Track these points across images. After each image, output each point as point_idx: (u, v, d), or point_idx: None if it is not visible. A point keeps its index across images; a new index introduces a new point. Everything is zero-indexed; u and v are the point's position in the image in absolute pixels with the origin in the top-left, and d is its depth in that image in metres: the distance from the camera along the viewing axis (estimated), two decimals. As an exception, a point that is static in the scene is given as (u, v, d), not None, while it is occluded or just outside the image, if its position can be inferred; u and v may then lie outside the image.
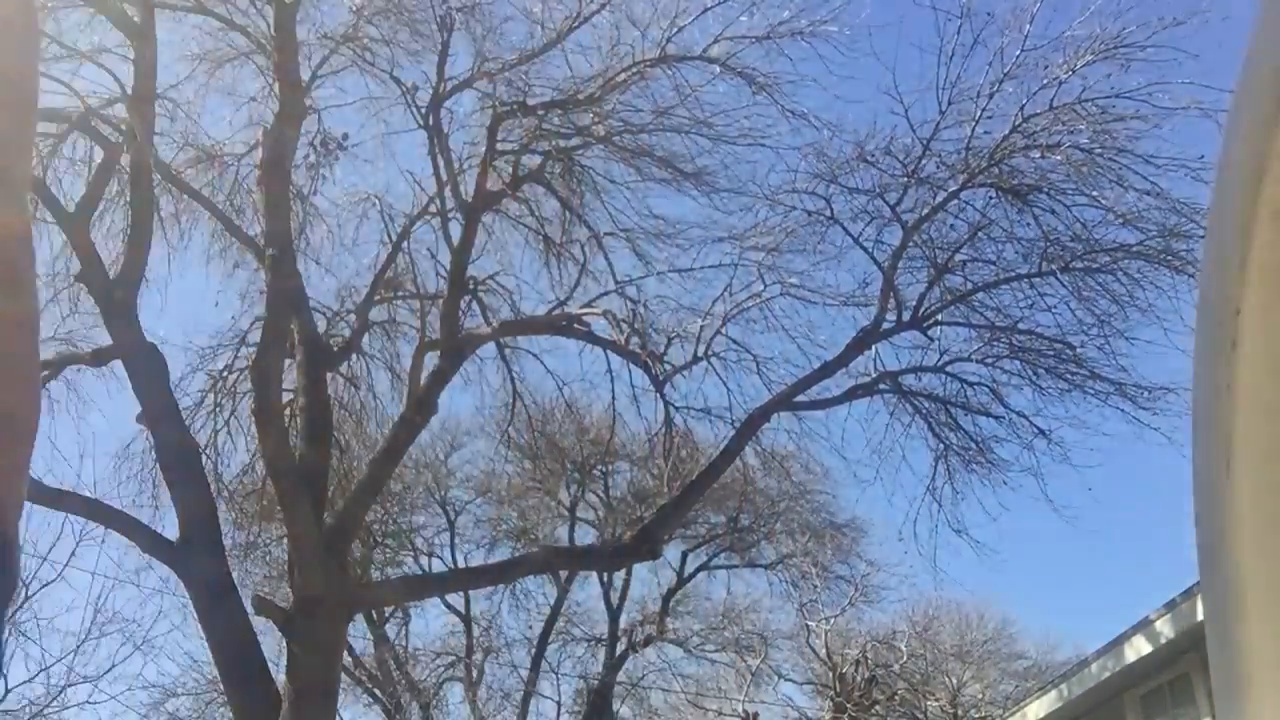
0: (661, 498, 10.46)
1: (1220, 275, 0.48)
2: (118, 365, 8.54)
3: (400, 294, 10.22)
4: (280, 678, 7.45)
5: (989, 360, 9.52)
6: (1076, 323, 9.13)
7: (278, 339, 7.80)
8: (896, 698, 16.92)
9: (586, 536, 16.30)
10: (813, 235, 9.43)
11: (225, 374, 9.98)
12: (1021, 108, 8.54)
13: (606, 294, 9.85)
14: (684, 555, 16.47)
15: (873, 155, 8.89)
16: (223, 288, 10.25)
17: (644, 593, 17.11)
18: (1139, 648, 7.88)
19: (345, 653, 12.01)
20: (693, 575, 16.87)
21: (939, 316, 9.36)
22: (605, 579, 16.26)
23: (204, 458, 8.84)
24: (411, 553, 15.47)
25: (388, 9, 9.06)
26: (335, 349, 9.49)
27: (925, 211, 8.94)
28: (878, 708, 16.31)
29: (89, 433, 24.54)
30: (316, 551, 7.32)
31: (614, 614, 16.37)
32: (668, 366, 9.50)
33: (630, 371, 9.88)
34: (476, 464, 15.25)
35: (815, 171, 9.14)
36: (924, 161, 8.81)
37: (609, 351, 9.62)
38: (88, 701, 11.79)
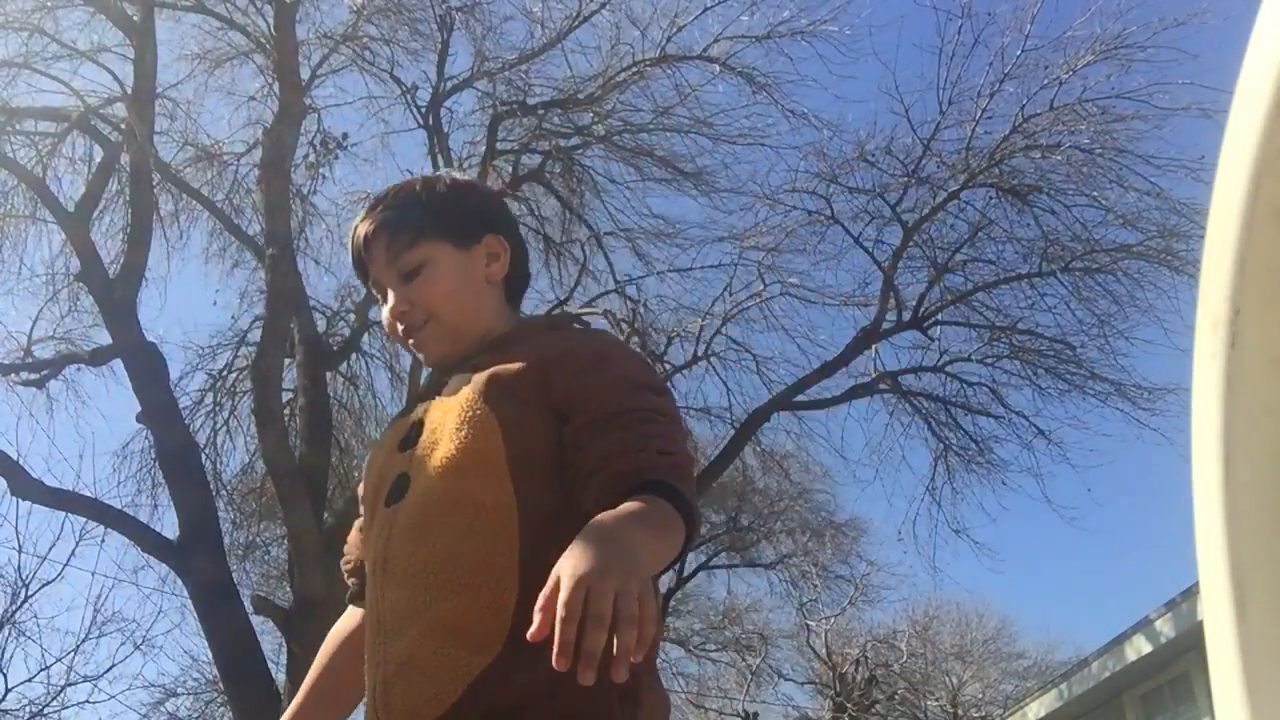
0: (661, 498, 10.42)
1: (1220, 275, 0.48)
2: (117, 364, 8.53)
3: (400, 294, 10.18)
4: (280, 678, 7.45)
5: (989, 360, 9.52)
6: (1076, 323, 9.14)
7: (278, 339, 7.80)
8: (896, 697, 16.93)
9: (586, 536, 16.24)
10: (813, 235, 9.43)
11: (225, 373, 9.96)
12: (1022, 108, 8.55)
13: (606, 294, 9.84)
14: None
15: (873, 155, 8.89)
16: (222, 287, 10.25)
17: (644, 592, 17.10)
18: (1139, 647, 7.88)
19: (345, 652, 11.98)
20: (693, 575, 16.83)
21: (939, 316, 9.36)
22: (605, 579, 16.21)
23: (203, 457, 8.84)
24: (411, 552, 15.46)
25: (387, 8, 9.06)
26: (335, 349, 9.48)
27: (925, 211, 8.94)
28: (878, 707, 16.32)
29: (88, 432, 24.63)
30: (316, 551, 7.31)
31: (614, 613, 16.34)
32: (667, 366, 9.50)
33: (630, 371, 9.85)
34: (476, 463, 15.23)
35: (815, 171, 9.15)
36: (924, 161, 8.82)
37: (609, 351, 9.61)
38: (88, 701, 11.74)
